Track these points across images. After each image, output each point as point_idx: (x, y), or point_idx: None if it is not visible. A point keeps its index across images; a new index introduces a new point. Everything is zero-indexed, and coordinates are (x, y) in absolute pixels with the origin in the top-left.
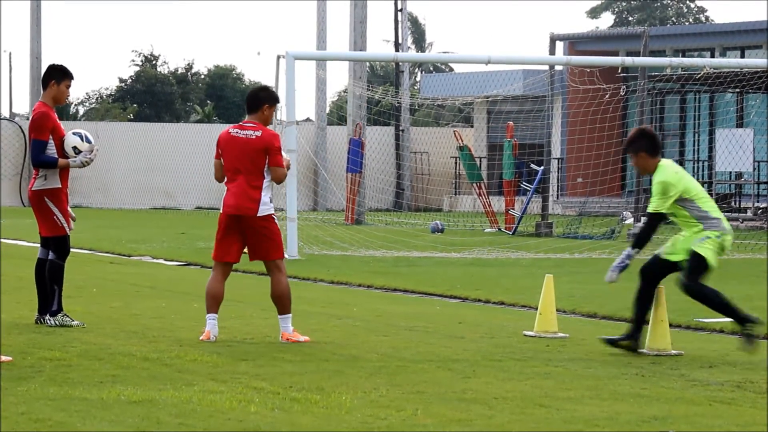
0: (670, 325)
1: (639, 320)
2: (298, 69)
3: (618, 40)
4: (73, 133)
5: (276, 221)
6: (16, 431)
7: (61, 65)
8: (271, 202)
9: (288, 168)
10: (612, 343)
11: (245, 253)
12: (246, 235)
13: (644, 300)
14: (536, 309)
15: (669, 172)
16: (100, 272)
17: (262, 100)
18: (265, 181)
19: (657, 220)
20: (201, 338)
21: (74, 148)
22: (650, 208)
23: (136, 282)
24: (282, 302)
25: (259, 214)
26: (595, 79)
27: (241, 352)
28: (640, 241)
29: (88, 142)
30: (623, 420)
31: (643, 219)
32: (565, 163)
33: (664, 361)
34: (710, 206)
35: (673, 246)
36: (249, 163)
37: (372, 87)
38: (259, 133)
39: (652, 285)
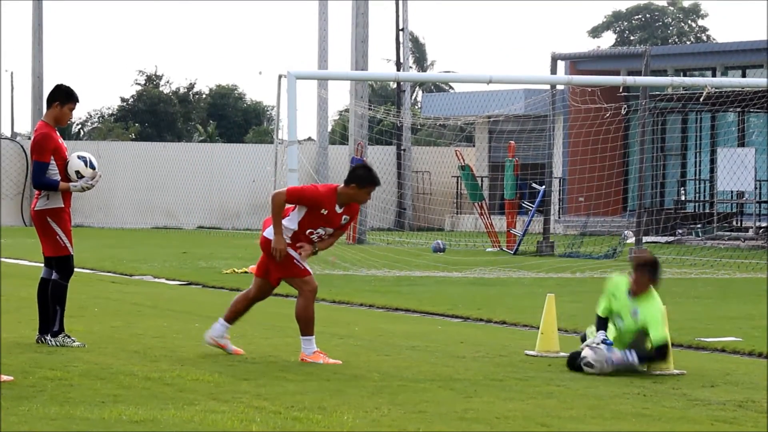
0: (672, 345)
1: None
2: (300, 88)
3: (619, 60)
4: (78, 157)
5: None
6: None
7: (68, 87)
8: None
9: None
10: None
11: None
12: None
13: None
14: (538, 328)
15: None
16: (102, 292)
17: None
18: None
19: None
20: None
21: (77, 172)
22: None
23: (138, 301)
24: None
25: None
26: (597, 99)
27: (243, 372)
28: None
29: (92, 167)
30: None
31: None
32: (566, 182)
33: (666, 380)
34: None
35: None
36: None
37: (373, 107)
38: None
39: None
